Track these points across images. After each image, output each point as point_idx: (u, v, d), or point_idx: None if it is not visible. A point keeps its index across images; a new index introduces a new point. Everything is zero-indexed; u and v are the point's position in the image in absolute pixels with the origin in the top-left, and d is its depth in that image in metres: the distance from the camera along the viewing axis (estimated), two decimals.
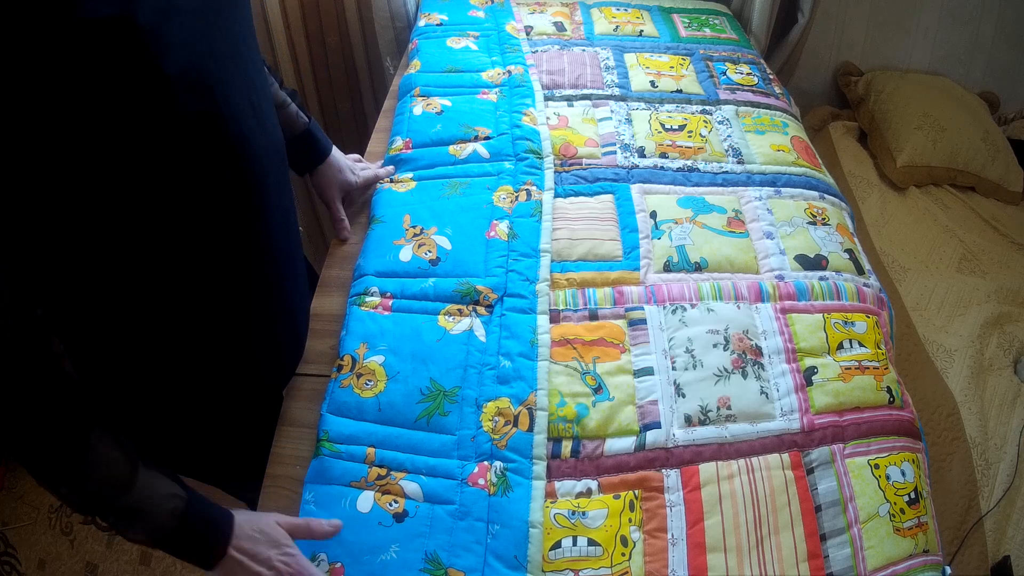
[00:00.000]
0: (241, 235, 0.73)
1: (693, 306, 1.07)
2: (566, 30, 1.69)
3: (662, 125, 1.39)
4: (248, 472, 0.93)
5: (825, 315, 1.07)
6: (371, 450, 0.89)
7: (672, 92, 1.49)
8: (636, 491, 0.89)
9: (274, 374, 0.95)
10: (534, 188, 1.22)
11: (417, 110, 1.36)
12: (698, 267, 1.13)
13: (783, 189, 1.28)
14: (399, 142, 1.31)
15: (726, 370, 0.99)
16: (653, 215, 1.21)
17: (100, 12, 0.50)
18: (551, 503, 0.87)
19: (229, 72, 0.64)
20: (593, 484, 0.89)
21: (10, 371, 0.58)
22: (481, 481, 0.87)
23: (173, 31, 0.56)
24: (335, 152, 1.15)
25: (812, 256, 1.16)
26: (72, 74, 0.50)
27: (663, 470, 0.91)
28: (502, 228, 1.14)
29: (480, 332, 1.01)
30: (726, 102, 1.47)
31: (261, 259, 0.78)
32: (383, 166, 1.27)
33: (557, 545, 0.84)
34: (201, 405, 0.84)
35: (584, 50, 1.60)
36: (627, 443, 0.93)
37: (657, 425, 0.94)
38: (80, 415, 0.64)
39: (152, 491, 0.68)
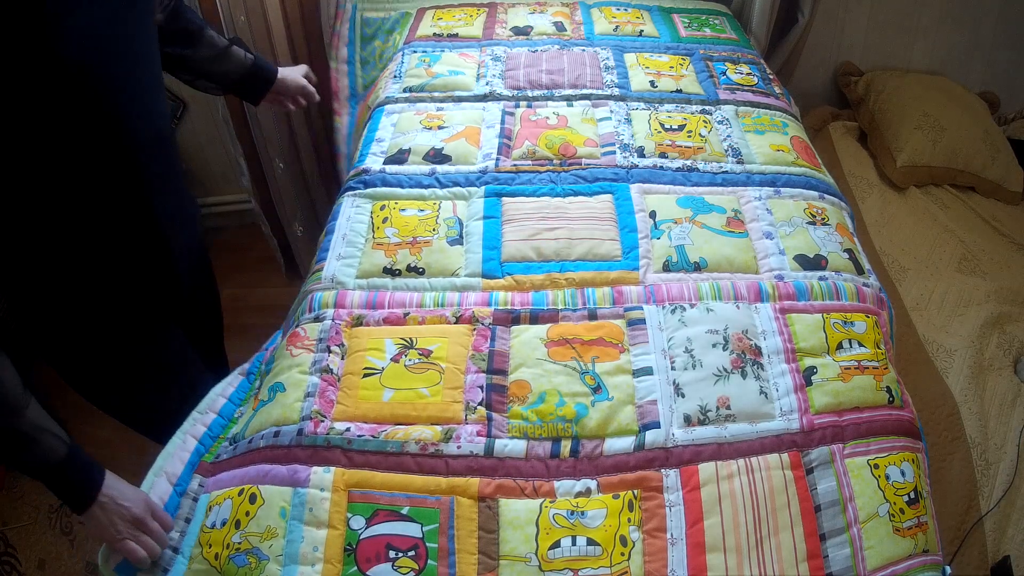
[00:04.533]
0: (126, 216, 0.88)
1: (692, 306, 1.07)
2: (566, 30, 1.69)
3: (662, 125, 1.39)
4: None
5: (824, 315, 1.07)
6: None
7: (672, 92, 1.49)
8: (635, 491, 0.89)
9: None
10: None
11: None
12: (697, 267, 1.13)
13: (783, 189, 1.28)
14: None
15: (725, 370, 0.99)
16: (652, 215, 1.21)
17: None
18: (550, 503, 0.87)
19: (117, 67, 0.76)
20: (592, 484, 0.89)
21: None
22: None
23: (73, 23, 0.67)
24: (282, 71, 1.36)
25: (812, 256, 1.16)
26: None
27: (662, 470, 0.90)
28: None
29: None
30: (726, 102, 1.47)
31: (148, 238, 0.95)
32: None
33: (556, 545, 0.84)
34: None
35: (584, 50, 1.60)
36: (626, 443, 0.92)
37: (656, 425, 0.94)
38: None
39: (41, 422, 0.77)
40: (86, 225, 0.86)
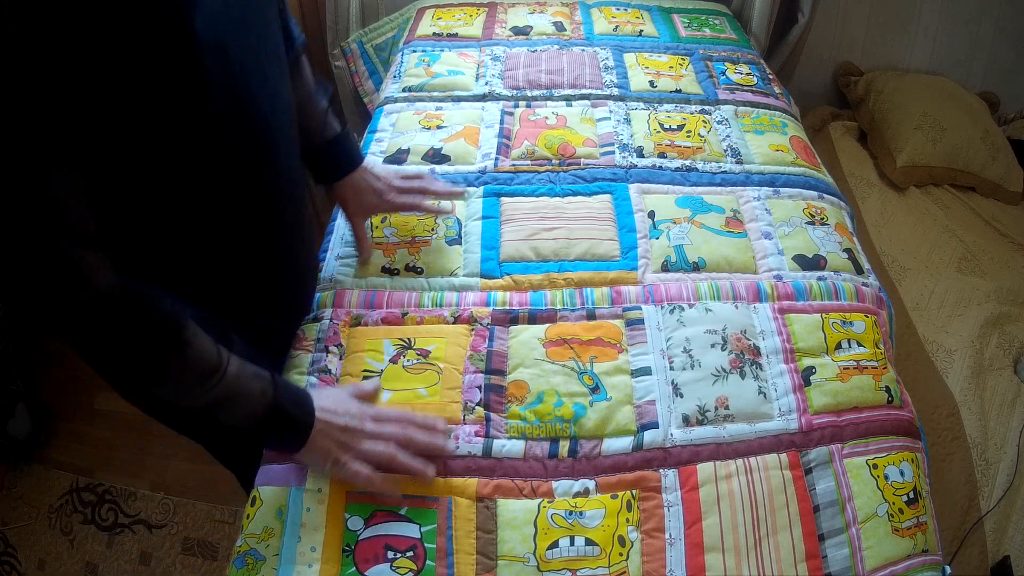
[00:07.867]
0: (252, 179, 0.80)
1: (691, 306, 1.07)
2: (566, 30, 1.69)
3: (661, 125, 1.39)
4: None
5: (823, 315, 1.07)
6: None
7: (671, 92, 1.49)
8: (634, 491, 0.89)
9: (290, 297, 1.02)
10: None
11: None
12: (696, 267, 1.13)
13: (782, 189, 1.28)
14: None
15: (724, 370, 0.99)
16: (651, 215, 1.20)
17: None
18: (548, 503, 0.87)
19: (242, 35, 0.71)
20: (591, 484, 0.89)
21: (98, 284, 0.64)
22: None
23: (206, 2, 0.63)
24: (367, 165, 1.06)
25: (811, 256, 1.16)
26: (114, 22, 0.56)
27: (661, 470, 0.90)
28: None
29: None
30: (725, 102, 1.47)
31: (270, 206, 0.85)
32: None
33: (555, 545, 0.84)
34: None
35: (584, 50, 1.60)
36: (625, 443, 0.92)
37: (655, 425, 0.94)
38: (174, 314, 0.70)
39: (242, 373, 0.76)
40: (215, 220, 0.78)
